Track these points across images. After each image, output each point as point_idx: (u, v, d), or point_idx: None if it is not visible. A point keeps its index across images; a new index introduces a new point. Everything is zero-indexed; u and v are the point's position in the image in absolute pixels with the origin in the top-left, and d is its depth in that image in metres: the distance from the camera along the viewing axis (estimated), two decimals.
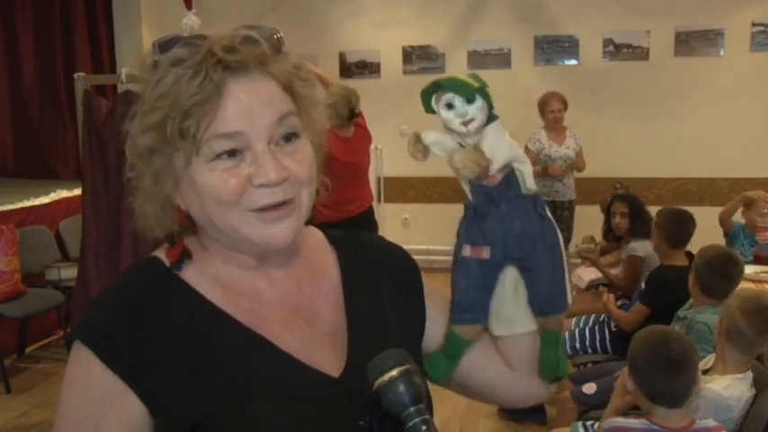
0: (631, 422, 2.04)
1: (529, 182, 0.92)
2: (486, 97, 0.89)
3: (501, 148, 0.89)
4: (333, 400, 0.89)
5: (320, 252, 1.03)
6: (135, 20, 6.73)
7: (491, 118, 0.90)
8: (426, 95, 0.92)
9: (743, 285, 3.03)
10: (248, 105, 0.84)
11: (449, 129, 0.91)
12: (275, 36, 0.88)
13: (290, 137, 0.88)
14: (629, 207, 4.15)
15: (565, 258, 0.97)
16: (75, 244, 4.85)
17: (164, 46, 0.85)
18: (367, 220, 4.52)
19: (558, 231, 0.95)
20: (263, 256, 0.93)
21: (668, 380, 1.98)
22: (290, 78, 0.88)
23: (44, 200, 5.29)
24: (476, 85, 0.89)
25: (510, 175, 0.92)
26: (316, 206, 0.94)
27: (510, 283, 0.96)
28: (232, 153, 0.85)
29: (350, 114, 4.24)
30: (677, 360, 1.99)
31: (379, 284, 1.03)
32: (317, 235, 1.05)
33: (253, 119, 0.84)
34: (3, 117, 6.55)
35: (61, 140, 6.63)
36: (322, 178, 0.95)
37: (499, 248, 0.93)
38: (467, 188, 0.95)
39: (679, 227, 3.46)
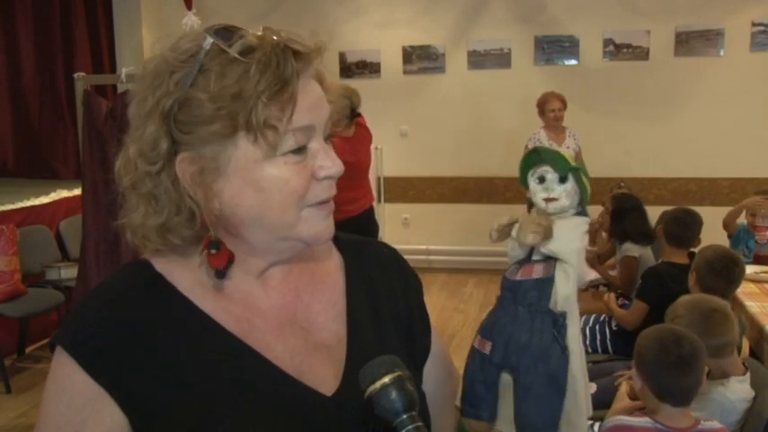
0: (635, 420, 2.04)
1: (561, 301, 0.89)
2: (581, 184, 0.91)
3: (564, 239, 0.89)
4: (323, 416, 0.86)
5: (324, 256, 0.99)
6: (135, 20, 6.73)
7: (581, 214, 0.93)
8: (525, 166, 0.95)
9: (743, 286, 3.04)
10: (314, 99, 0.85)
11: (531, 202, 0.94)
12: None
13: (329, 136, 0.88)
14: (612, 206, 4.14)
15: (573, 393, 0.89)
16: (75, 244, 4.85)
17: (224, 34, 0.82)
18: (368, 220, 4.51)
19: (570, 362, 0.88)
20: (279, 259, 0.91)
21: (677, 378, 1.98)
22: (322, 80, 0.89)
23: (44, 200, 5.28)
24: (572, 163, 0.90)
25: (546, 284, 0.90)
26: None
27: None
28: (300, 149, 0.84)
29: (351, 114, 4.24)
30: (687, 358, 1.98)
31: (380, 294, 1.00)
32: None
33: (318, 113, 0.85)
34: (3, 117, 6.54)
35: (61, 140, 6.62)
36: None
37: (500, 350, 0.90)
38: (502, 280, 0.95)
39: (679, 226, 3.45)
